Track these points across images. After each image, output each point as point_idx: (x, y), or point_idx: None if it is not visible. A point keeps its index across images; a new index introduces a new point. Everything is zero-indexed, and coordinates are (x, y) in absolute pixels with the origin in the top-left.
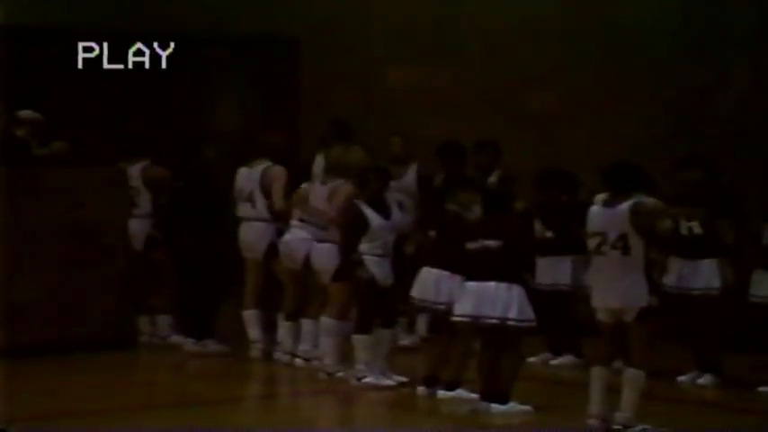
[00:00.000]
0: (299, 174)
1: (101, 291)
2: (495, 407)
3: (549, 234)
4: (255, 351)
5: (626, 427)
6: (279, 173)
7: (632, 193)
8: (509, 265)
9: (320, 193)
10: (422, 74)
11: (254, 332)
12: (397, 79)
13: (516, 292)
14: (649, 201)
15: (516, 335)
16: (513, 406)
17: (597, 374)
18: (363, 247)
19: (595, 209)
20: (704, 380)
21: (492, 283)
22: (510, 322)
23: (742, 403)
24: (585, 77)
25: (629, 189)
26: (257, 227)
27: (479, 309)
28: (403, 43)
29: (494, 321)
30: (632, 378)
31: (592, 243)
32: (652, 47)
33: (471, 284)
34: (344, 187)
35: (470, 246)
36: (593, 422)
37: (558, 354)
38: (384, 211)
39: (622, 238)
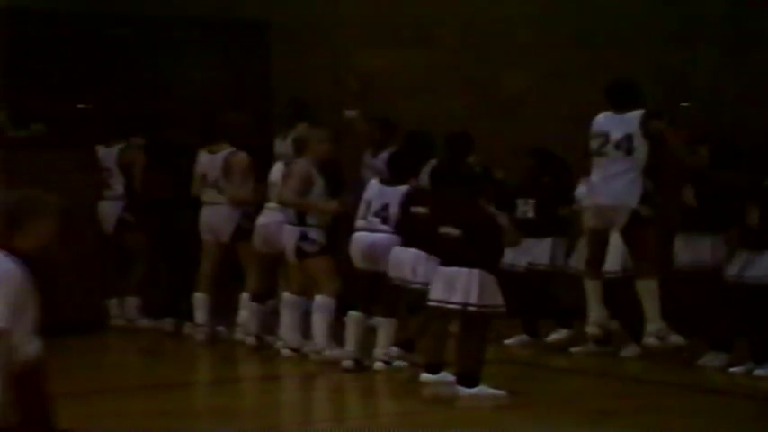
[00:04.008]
0: (270, 158)
1: (70, 274)
2: (463, 390)
3: (530, 214)
4: (200, 335)
5: (660, 338)
6: (240, 161)
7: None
8: (470, 252)
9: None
10: (394, 57)
11: (201, 315)
12: (370, 63)
13: (478, 277)
14: None
15: (479, 320)
16: (481, 389)
17: (592, 287)
18: None
19: (601, 116)
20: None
21: (455, 269)
22: (471, 308)
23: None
24: (559, 60)
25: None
26: (224, 210)
27: (446, 294)
28: (375, 27)
29: (455, 306)
30: (645, 287)
31: (594, 144)
32: (625, 30)
33: (441, 269)
34: (299, 165)
35: (440, 231)
36: (591, 329)
37: (535, 335)
38: None
39: (628, 138)
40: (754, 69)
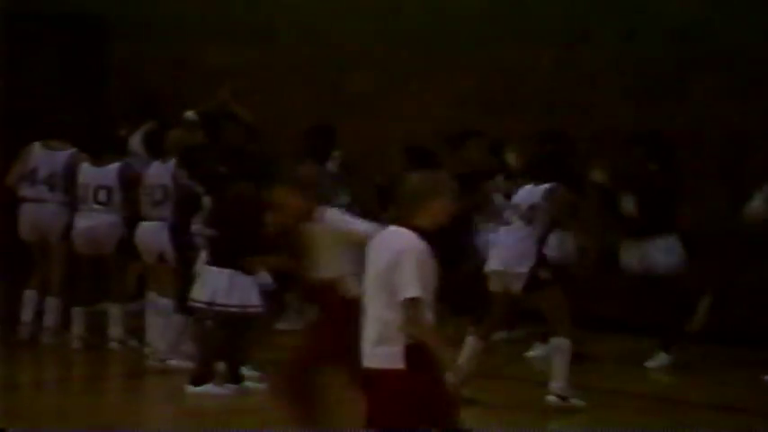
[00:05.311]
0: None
1: None
2: (191, 388)
3: None
4: (24, 333)
5: (562, 397)
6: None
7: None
8: (226, 252)
9: (158, 170)
10: (237, 55)
11: (27, 314)
12: (212, 60)
13: (235, 278)
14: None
15: (241, 320)
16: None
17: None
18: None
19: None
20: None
21: (215, 269)
22: (232, 309)
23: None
24: (400, 61)
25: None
26: (53, 209)
27: (213, 295)
28: (217, 23)
29: (219, 308)
30: (558, 347)
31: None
32: (463, 30)
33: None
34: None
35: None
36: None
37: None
38: None
39: (531, 208)
40: (585, 68)
